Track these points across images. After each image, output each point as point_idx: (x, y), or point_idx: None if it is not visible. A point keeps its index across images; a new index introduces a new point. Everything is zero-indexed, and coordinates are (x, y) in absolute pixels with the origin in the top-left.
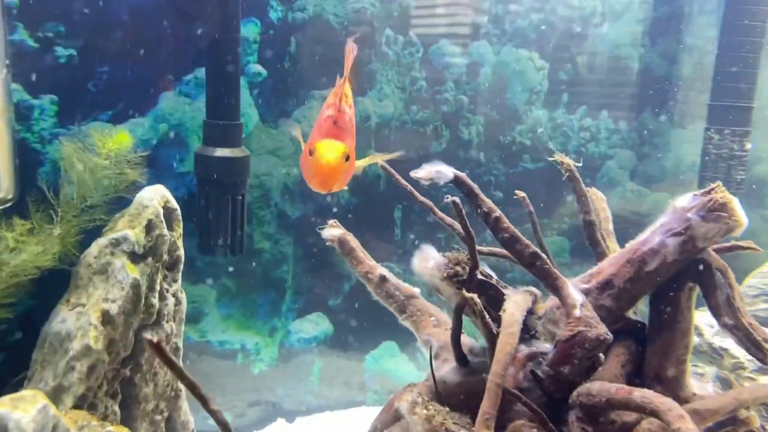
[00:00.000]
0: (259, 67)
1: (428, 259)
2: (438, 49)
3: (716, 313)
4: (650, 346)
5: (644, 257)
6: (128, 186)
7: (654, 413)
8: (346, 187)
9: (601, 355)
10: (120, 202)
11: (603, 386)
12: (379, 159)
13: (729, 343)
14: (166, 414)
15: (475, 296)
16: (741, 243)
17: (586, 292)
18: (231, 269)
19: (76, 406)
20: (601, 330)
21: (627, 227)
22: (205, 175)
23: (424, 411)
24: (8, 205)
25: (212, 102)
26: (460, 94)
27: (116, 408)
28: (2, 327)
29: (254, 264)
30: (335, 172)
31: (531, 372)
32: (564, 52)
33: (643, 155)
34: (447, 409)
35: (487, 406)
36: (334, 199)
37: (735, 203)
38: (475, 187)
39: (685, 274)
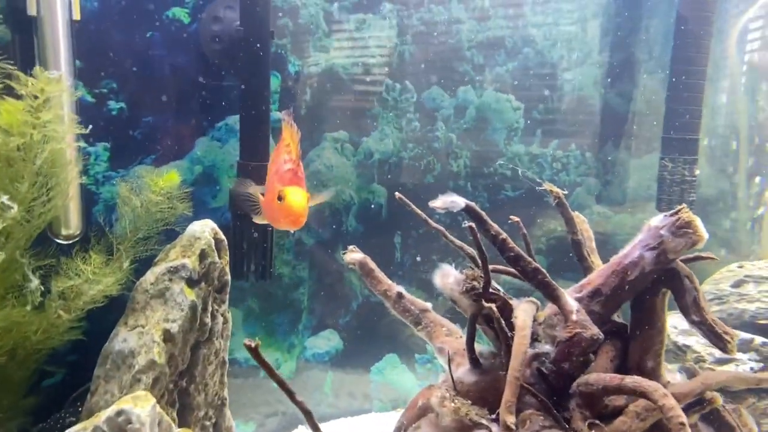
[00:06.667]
0: (279, 114)
1: (448, 276)
2: (429, 94)
3: (685, 313)
4: (632, 343)
5: (626, 269)
6: (177, 219)
7: (643, 394)
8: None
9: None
10: (169, 233)
11: (599, 376)
12: (320, 199)
13: (691, 340)
14: (213, 420)
15: (494, 306)
16: (702, 254)
17: (579, 300)
18: (255, 293)
19: None
20: (594, 331)
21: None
22: (238, 209)
23: (452, 404)
24: (76, 240)
25: (245, 145)
26: (449, 132)
27: (174, 415)
28: (65, 348)
29: (275, 287)
30: (305, 212)
31: (537, 369)
32: (537, 95)
33: (606, 182)
34: (470, 402)
35: (508, 395)
36: (342, 228)
37: (698, 221)
38: (483, 214)
39: (659, 282)
